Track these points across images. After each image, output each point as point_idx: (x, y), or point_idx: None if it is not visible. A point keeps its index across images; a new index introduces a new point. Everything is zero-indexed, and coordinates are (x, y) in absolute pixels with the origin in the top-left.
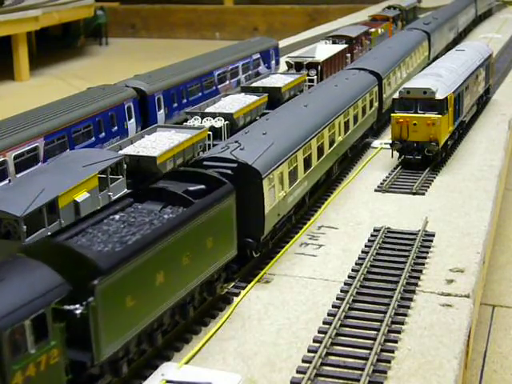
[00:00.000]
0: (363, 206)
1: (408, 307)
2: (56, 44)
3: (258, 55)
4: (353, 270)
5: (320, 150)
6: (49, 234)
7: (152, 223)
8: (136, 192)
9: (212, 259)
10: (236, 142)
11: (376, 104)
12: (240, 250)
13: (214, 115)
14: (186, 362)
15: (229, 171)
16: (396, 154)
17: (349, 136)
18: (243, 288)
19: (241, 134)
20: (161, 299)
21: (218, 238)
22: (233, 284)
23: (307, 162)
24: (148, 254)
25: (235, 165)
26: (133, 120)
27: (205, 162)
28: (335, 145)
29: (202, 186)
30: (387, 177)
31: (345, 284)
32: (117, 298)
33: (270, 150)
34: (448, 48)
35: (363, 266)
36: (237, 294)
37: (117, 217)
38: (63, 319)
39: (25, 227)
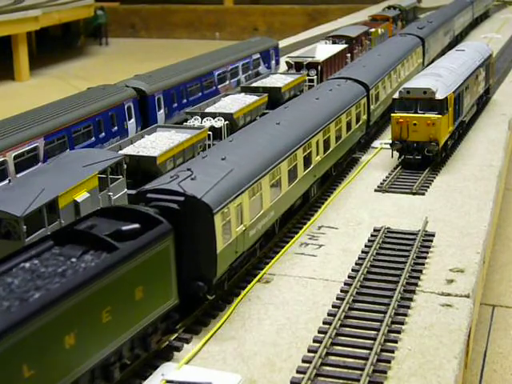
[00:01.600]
0: (363, 206)
1: (408, 307)
2: (56, 44)
3: (258, 55)
4: (353, 270)
5: (292, 174)
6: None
7: (64, 274)
8: (60, 232)
9: (143, 312)
10: (188, 169)
11: (364, 117)
12: (191, 293)
13: (214, 115)
14: (186, 362)
15: (175, 206)
16: (396, 153)
17: (330, 155)
18: (243, 288)
19: (198, 158)
20: (71, 365)
21: (151, 286)
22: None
23: (275, 189)
24: (52, 313)
25: (182, 198)
26: (133, 120)
27: (148, 195)
28: (312, 166)
29: (137, 226)
30: (387, 177)
31: (345, 284)
32: (10, 369)
33: (227, 178)
34: (443, 53)
35: (363, 266)
36: (237, 294)
37: (27, 265)
38: None
39: (25, 227)
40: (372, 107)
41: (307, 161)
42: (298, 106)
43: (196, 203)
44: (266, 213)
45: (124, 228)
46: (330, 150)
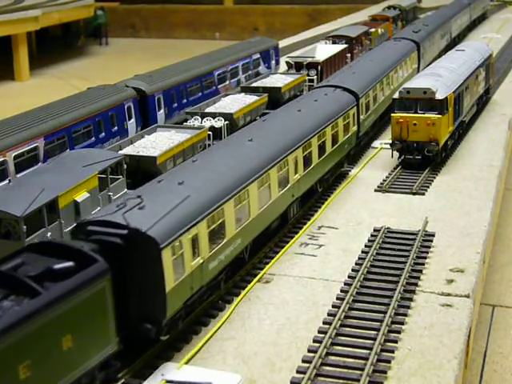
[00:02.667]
0: (363, 206)
1: (408, 307)
2: (56, 44)
3: (258, 55)
4: (353, 270)
5: (264, 196)
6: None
7: None
8: None
9: (73, 362)
10: (138, 196)
11: (354, 128)
12: (139, 336)
13: (214, 115)
14: (186, 362)
15: (117, 240)
16: (396, 153)
17: (312, 171)
18: (243, 288)
19: (152, 183)
20: None
21: (83, 333)
22: (233, 284)
23: (242, 214)
24: None
25: (125, 231)
26: (133, 120)
27: (89, 227)
28: (289, 185)
29: (70, 264)
30: (387, 177)
31: (345, 284)
32: None
33: (182, 206)
34: (440, 57)
35: (363, 266)
36: (237, 294)
37: None
38: None
39: (25, 227)
40: (362, 117)
41: (283, 180)
42: (277, 120)
43: (140, 237)
44: (231, 241)
45: (54, 267)
46: (312, 166)
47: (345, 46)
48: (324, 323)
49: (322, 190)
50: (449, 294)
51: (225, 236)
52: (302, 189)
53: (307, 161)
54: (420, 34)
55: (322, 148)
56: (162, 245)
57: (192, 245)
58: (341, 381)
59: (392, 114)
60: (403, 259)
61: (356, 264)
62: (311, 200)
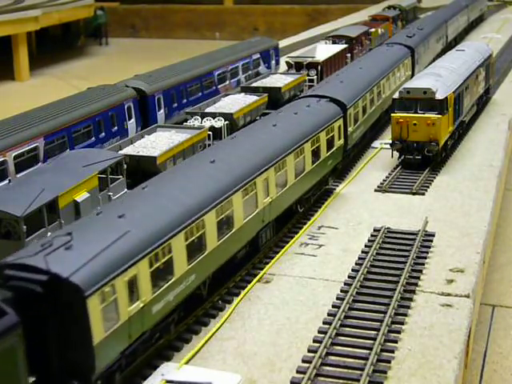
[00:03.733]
0: (363, 206)
1: (408, 307)
2: (56, 44)
3: (258, 55)
4: (353, 270)
5: (225, 225)
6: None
7: None
8: None
9: None
10: (68, 233)
11: (340, 142)
12: None
13: (214, 115)
14: (186, 362)
15: (36, 287)
16: (396, 153)
17: (288, 192)
18: (243, 288)
19: (91, 215)
20: None
21: None
22: (233, 284)
23: (196, 248)
24: None
25: (45, 277)
26: (133, 120)
27: (6, 271)
28: (258, 210)
29: None
30: (387, 177)
31: (345, 284)
32: None
33: (117, 245)
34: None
35: (363, 266)
36: (237, 294)
37: None
38: None
39: (25, 227)
40: (350, 129)
41: (250, 205)
42: (248, 137)
43: (62, 284)
44: (182, 279)
45: None
46: (288, 186)
47: (345, 45)
48: (324, 323)
49: (304, 210)
50: (449, 294)
51: (173, 274)
52: (276, 212)
53: (281, 181)
54: (414, 38)
55: (299, 166)
56: (87, 292)
57: (129, 288)
58: (341, 381)
59: (392, 114)
60: (403, 259)
61: (356, 264)
62: (291, 221)
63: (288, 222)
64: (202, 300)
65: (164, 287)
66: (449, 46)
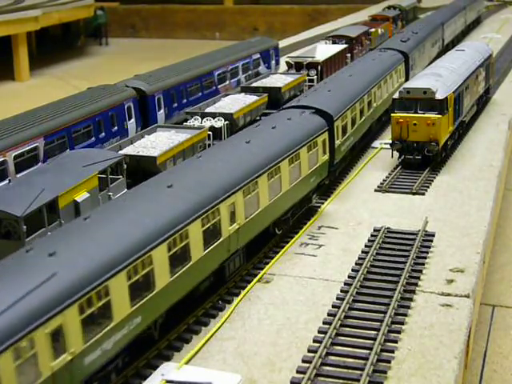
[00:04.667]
0: (363, 206)
1: (408, 307)
2: (56, 44)
3: (258, 55)
4: (353, 270)
5: (178, 259)
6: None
7: None
8: None
9: None
10: None
11: (325, 157)
12: None
13: (214, 115)
14: (186, 362)
15: None
16: (396, 153)
17: (261, 215)
18: (243, 288)
19: (20, 252)
20: None
21: None
22: (233, 284)
23: (143, 286)
24: None
25: None
26: (133, 120)
27: None
28: (222, 239)
29: None
30: (387, 177)
31: (345, 284)
32: None
33: (40, 290)
34: None
35: (363, 266)
36: (237, 294)
37: None
38: None
39: (25, 227)
40: (337, 142)
41: (212, 234)
42: (216, 156)
43: None
44: (124, 323)
45: None
46: (260, 210)
47: (345, 45)
48: (324, 323)
49: (283, 232)
50: (449, 294)
51: (112, 318)
52: (245, 239)
53: (252, 205)
54: (408, 43)
55: (274, 187)
56: None
57: (53, 340)
58: (341, 381)
59: (392, 114)
60: (403, 259)
61: (356, 264)
62: (268, 245)
63: (265, 246)
64: (154, 342)
65: (100, 335)
66: (445, 50)
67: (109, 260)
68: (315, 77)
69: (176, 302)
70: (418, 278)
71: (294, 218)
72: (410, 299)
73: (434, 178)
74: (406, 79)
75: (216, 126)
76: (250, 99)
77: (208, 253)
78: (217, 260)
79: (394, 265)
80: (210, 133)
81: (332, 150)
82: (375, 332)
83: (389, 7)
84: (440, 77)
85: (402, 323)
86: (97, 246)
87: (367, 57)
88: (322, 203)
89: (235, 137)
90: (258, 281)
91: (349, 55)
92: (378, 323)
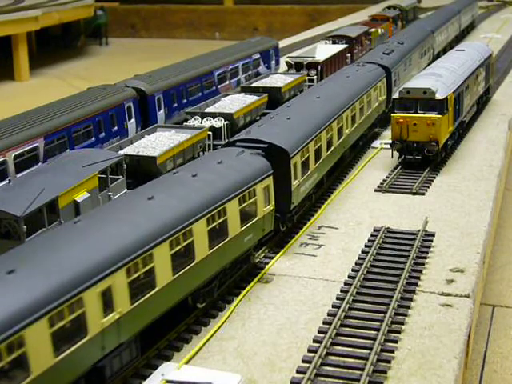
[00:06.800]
0: (363, 206)
1: (408, 307)
2: (56, 44)
3: (258, 55)
4: (353, 270)
5: (20, 366)
6: None
7: None
8: None
9: None
10: None
11: (268, 208)
12: None
13: (214, 115)
14: (186, 362)
15: None
16: (396, 153)
17: (163, 294)
18: (243, 288)
19: None
20: None
21: None
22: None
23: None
24: None
25: None
26: (133, 120)
27: None
28: (88, 337)
29: None
30: (387, 177)
31: (345, 284)
32: None
33: None
34: None
35: (363, 266)
36: (237, 294)
37: None
38: None
39: (25, 227)
40: (295, 183)
41: (73, 331)
42: (98, 223)
43: None
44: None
45: None
46: (158, 289)
47: (345, 45)
48: (324, 323)
49: (206, 304)
50: (449, 294)
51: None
52: (132, 330)
53: (145, 284)
54: (392, 56)
55: (184, 255)
56: None
57: None
58: (341, 381)
59: (392, 114)
60: (403, 259)
61: (356, 264)
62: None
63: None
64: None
65: None
66: (435, 58)
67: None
68: (315, 77)
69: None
70: (418, 277)
71: (223, 286)
72: (410, 299)
73: (434, 178)
74: (388, 96)
75: (216, 126)
76: (250, 99)
77: (66, 356)
78: (84, 363)
79: (393, 265)
80: (210, 133)
81: (288, 194)
82: (375, 332)
83: (389, 7)
84: (440, 77)
85: (402, 323)
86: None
87: (341, 73)
88: (272, 258)
89: (138, 190)
90: (258, 281)
91: (349, 55)
92: (378, 323)
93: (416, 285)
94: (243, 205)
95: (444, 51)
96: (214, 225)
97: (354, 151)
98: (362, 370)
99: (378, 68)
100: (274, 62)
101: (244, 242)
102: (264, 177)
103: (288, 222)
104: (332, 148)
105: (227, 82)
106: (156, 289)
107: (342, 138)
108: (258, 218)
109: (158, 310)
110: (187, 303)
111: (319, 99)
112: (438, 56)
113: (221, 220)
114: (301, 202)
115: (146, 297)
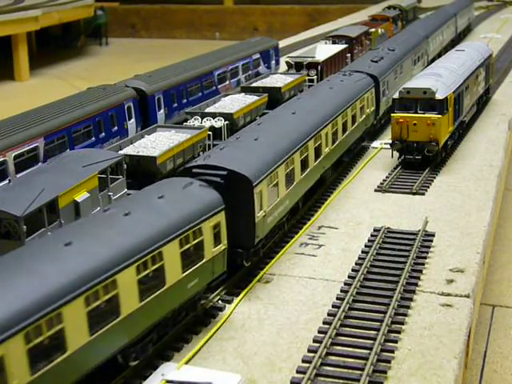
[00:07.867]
0: (363, 206)
1: (408, 307)
2: (56, 44)
3: (258, 55)
4: (353, 270)
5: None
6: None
7: None
8: None
9: None
10: None
11: (218, 248)
12: None
13: (214, 115)
14: (186, 362)
15: None
16: (396, 153)
17: (76, 359)
18: (243, 288)
19: None
20: None
21: None
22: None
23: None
24: None
25: None
26: (133, 120)
27: None
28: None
29: None
30: (387, 177)
31: (345, 284)
32: None
33: None
34: None
35: (363, 266)
36: (237, 294)
37: None
38: None
39: (25, 227)
40: (260, 214)
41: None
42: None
43: None
44: None
45: None
46: (69, 353)
47: (345, 45)
48: (324, 323)
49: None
50: (449, 294)
51: None
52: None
53: (56, 350)
54: (381, 63)
55: (105, 313)
56: None
57: None
58: (341, 381)
59: (392, 114)
60: (403, 259)
61: (356, 264)
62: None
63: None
64: None
65: None
66: (430, 63)
67: None
68: (315, 77)
69: None
70: (418, 277)
71: (165, 337)
72: (410, 299)
73: (434, 178)
74: (377, 107)
75: (216, 126)
76: (250, 99)
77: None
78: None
79: (393, 265)
80: (210, 133)
81: (251, 227)
82: (375, 332)
83: (389, 7)
84: (440, 77)
85: (402, 323)
86: None
87: (325, 83)
88: (229, 302)
89: (56, 233)
90: (258, 281)
91: (349, 55)
92: (378, 323)
93: (416, 285)
94: (186, 247)
95: (439, 56)
96: (146, 272)
97: (337, 169)
98: (362, 370)
99: (365, 77)
100: (273, 62)
101: (187, 289)
102: (213, 213)
103: (253, 257)
104: (308, 170)
105: (227, 82)
106: (67, 352)
107: (321, 157)
108: (205, 260)
109: (73, 375)
110: (117, 361)
111: (294, 115)
112: (432, 60)
113: (156, 266)
114: (270, 233)
115: (55, 362)
